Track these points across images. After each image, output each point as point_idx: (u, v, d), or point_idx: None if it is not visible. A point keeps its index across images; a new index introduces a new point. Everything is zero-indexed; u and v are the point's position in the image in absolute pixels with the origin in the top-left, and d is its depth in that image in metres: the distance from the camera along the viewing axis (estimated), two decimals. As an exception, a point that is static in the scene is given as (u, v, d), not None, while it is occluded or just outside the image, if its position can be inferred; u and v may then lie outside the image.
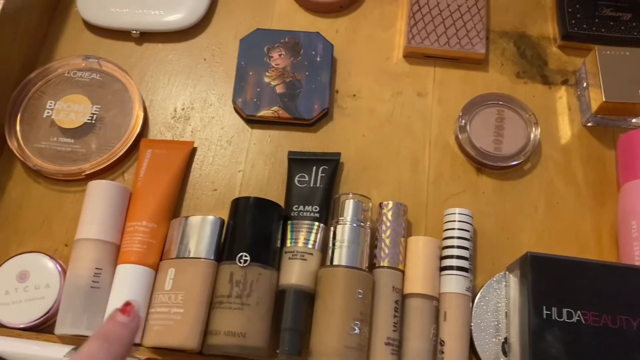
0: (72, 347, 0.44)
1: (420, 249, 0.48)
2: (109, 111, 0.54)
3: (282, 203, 0.50)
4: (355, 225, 0.47)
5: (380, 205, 0.49)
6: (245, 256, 0.45)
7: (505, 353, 0.45)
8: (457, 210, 0.49)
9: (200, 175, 0.53)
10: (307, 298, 0.46)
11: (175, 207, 0.51)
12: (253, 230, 0.47)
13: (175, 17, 0.58)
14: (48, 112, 0.53)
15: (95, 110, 0.53)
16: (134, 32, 0.58)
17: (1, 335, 0.45)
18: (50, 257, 0.48)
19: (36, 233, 0.51)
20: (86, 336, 0.45)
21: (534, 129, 0.53)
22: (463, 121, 0.54)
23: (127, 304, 0.34)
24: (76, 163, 0.52)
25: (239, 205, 0.48)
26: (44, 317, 0.46)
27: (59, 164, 0.52)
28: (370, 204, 0.49)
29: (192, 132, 0.55)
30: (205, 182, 0.53)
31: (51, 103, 0.54)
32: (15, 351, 0.44)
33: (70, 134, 0.53)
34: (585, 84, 0.55)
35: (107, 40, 0.58)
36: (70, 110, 0.53)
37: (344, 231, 0.47)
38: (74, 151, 0.52)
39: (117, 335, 0.33)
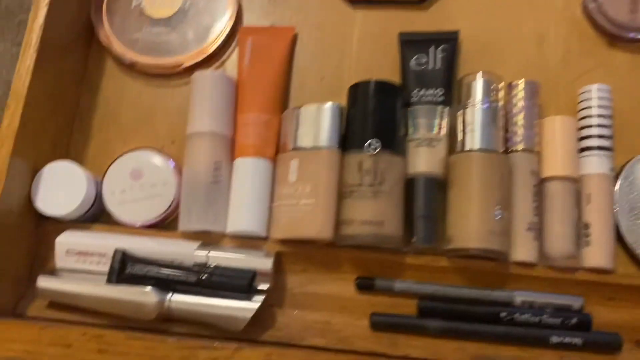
0: (198, 243, 0.43)
1: (557, 129, 0.44)
2: (201, -5, 0.49)
3: (396, 89, 0.46)
4: (486, 106, 0.43)
5: (510, 86, 0.45)
6: (377, 142, 0.42)
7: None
8: (594, 86, 0.45)
9: (304, 64, 0.49)
10: (438, 185, 0.43)
11: (284, 98, 0.48)
12: (378, 116, 0.43)
13: None
14: (137, 1, 0.49)
15: (188, -5, 0.49)
16: None
17: (123, 233, 0.44)
18: (162, 153, 0.46)
19: (139, 131, 0.49)
20: (212, 232, 0.43)
21: (677, -7, 0.47)
22: (594, -11, 0.48)
23: None
24: (172, 54, 0.48)
25: (359, 91, 0.44)
26: (164, 215, 0.45)
27: (154, 55, 0.48)
28: (502, 83, 0.45)
29: (290, 16, 0.50)
30: (311, 71, 0.49)
31: (140, -10, 0.49)
32: (140, 247, 0.43)
33: (163, 23, 0.49)
34: None
35: None
36: (161, -3, 0.49)
37: (474, 114, 0.43)
38: (169, 41, 0.48)
39: None
